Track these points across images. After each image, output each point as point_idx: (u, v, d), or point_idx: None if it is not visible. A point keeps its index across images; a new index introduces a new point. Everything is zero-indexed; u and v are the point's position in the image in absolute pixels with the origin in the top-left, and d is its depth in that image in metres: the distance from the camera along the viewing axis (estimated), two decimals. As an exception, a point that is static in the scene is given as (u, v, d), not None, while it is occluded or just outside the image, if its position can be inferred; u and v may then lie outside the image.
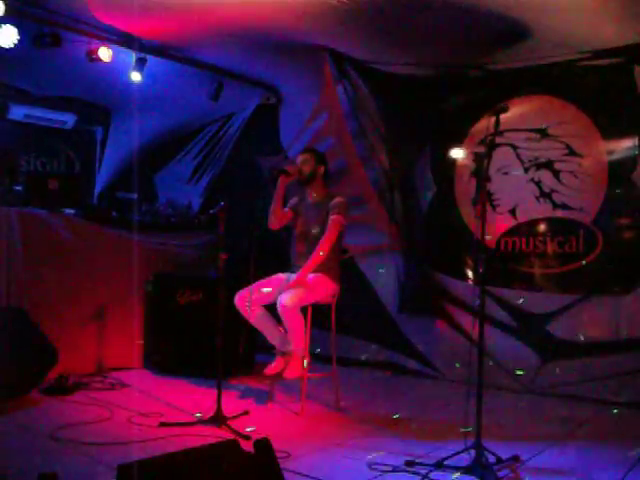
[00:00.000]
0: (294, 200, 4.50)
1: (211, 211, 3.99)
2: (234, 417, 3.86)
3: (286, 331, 4.15)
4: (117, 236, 5.15)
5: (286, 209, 4.44)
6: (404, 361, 5.42)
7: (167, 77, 5.62)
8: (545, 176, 4.97)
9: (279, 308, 4.01)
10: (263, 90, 6.15)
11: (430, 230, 5.52)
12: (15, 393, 4.02)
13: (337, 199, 4.29)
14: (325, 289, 4.23)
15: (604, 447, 3.59)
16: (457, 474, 3.03)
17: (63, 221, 4.81)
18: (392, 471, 3.10)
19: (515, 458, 3.27)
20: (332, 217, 4.23)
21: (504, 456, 3.21)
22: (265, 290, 4.22)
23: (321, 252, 4.17)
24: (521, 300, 5.00)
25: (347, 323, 5.11)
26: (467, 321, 5.10)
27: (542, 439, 3.67)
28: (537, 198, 5.00)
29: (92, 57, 4.82)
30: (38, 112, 6.07)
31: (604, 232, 4.73)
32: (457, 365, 4.90)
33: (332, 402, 4.32)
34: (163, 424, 3.70)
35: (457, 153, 5.38)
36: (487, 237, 3.47)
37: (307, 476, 2.98)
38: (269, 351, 4.42)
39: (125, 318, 5.18)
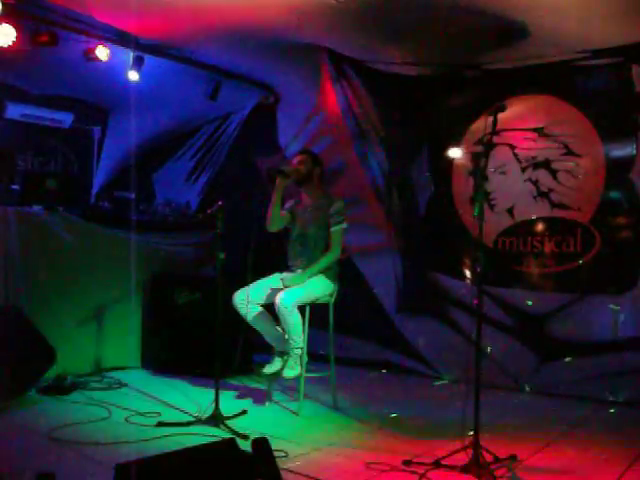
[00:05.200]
0: (291, 202, 4.49)
1: (209, 210, 3.99)
2: (232, 417, 3.86)
3: (284, 330, 4.15)
4: (115, 235, 5.14)
5: (284, 211, 4.44)
6: (402, 360, 5.43)
7: (165, 76, 5.62)
8: (543, 175, 4.98)
9: (277, 307, 4.01)
10: (261, 90, 6.15)
11: (428, 229, 5.52)
12: (13, 393, 4.02)
13: (336, 204, 4.28)
14: (323, 288, 4.23)
15: (601, 446, 3.58)
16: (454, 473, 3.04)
17: (61, 220, 4.80)
18: (390, 470, 3.11)
19: (513, 457, 3.27)
20: (335, 229, 4.24)
21: (501, 455, 3.22)
22: (263, 289, 4.22)
23: (328, 261, 4.21)
24: (519, 300, 5.01)
25: (345, 322, 5.11)
26: (465, 320, 5.11)
27: (540, 438, 3.67)
28: (535, 197, 5.01)
29: (89, 56, 4.81)
30: (35, 111, 6.06)
31: (601, 232, 4.73)
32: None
33: (330, 401, 4.32)
34: (161, 424, 3.70)
35: (454, 152, 5.38)
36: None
37: (305, 475, 2.98)
38: (267, 350, 4.42)
39: (123, 318, 5.18)
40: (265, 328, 4.27)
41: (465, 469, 3.05)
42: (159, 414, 3.91)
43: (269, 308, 4.18)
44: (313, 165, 4.35)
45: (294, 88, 5.96)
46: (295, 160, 4.41)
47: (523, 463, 3.26)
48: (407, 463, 3.16)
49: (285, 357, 4.16)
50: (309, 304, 4.15)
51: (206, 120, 6.64)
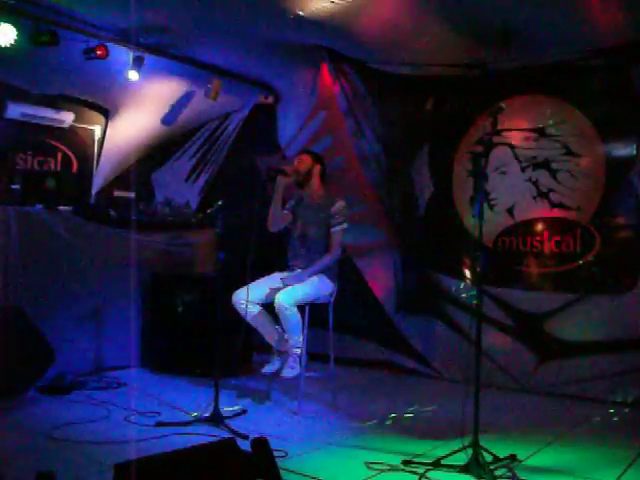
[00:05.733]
0: (292, 202, 4.50)
1: (209, 210, 3.99)
2: (232, 416, 3.86)
3: (284, 330, 4.15)
4: (114, 235, 5.14)
5: (285, 211, 4.44)
6: (402, 360, 5.43)
7: (165, 76, 5.61)
8: (542, 176, 4.97)
9: (277, 307, 4.01)
10: (261, 89, 6.15)
11: (428, 229, 5.51)
12: (13, 393, 4.02)
13: (338, 204, 4.28)
14: (323, 288, 4.23)
15: (601, 446, 3.59)
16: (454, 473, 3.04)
17: (60, 220, 4.80)
18: (390, 470, 3.11)
19: (512, 457, 3.27)
20: (336, 229, 4.23)
21: (501, 455, 3.22)
22: (262, 289, 4.22)
23: (328, 262, 4.21)
24: (518, 299, 5.01)
25: (345, 322, 5.11)
26: (465, 320, 5.10)
27: (539, 438, 3.67)
28: (534, 198, 5.00)
29: (90, 55, 4.81)
30: (36, 111, 6.05)
31: (601, 232, 4.73)
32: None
33: (330, 401, 4.32)
34: (160, 423, 3.70)
35: (454, 152, 5.35)
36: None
37: (305, 475, 2.98)
38: (267, 350, 4.42)
39: (122, 317, 5.18)
40: (265, 328, 4.27)
41: (465, 469, 3.05)
42: (159, 414, 3.91)
43: (269, 308, 4.18)
44: (314, 164, 4.35)
45: (294, 88, 5.96)
46: (295, 160, 4.41)
47: (523, 463, 3.26)
48: (407, 463, 3.16)
49: (285, 357, 4.16)
50: (309, 304, 4.15)
51: (206, 119, 6.63)
